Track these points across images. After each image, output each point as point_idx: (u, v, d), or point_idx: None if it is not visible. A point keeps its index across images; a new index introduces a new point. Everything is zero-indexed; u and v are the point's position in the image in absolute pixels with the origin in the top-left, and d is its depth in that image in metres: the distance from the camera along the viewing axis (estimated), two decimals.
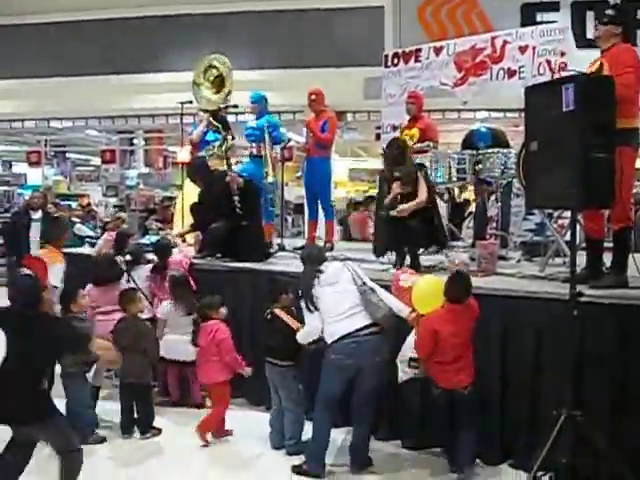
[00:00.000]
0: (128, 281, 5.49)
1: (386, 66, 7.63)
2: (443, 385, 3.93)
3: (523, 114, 4.05)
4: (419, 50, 7.35)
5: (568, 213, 4.23)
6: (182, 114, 7.31)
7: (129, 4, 10.95)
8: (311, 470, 4.02)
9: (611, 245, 4.33)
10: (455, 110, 10.71)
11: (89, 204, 13.53)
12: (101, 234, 8.10)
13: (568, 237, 4.22)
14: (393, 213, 4.87)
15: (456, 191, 7.38)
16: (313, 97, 6.87)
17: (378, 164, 6.21)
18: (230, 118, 7.42)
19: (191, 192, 6.56)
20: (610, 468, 3.57)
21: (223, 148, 6.63)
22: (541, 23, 7.99)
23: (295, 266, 4.92)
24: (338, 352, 3.91)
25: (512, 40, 6.66)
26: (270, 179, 6.68)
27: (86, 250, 7.19)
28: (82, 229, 9.88)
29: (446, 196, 7.06)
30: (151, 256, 5.83)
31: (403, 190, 4.99)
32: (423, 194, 4.95)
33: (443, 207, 7.02)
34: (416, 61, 7.35)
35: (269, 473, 4.19)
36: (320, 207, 7.08)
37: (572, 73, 4.29)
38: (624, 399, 3.75)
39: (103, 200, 14.78)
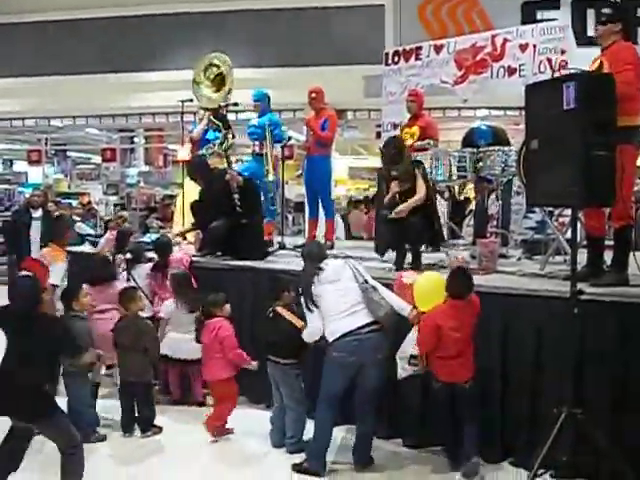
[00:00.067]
0: (128, 279, 5.49)
1: (386, 64, 7.62)
2: (444, 379, 3.96)
3: (523, 112, 4.05)
4: (419, 48, 7.34)
5: (569, 211, 4.23)
6: (183, 112, 7.31)
7: (127, 3, 10.92)
8: (312, 468, 4.02)
9: (612, 243, 4.33)
10: (455, 108, 10.72)
11: (89, 202, 13.54)
12: (104, 232, 8.12)
13: (569, 235, 4.23)
14: (392, 215, 4.87)
15: (456, 189, 7.37)
16: (313, 95, 6.87)
17: (378, 162, 6.20)
18: (230, 116, 7.42)
19: (191, 190, 6.56)
20: (611, 466, 3.57)
21: (223, 146, 6.63)
22: (541, 21, 7.96)
23: (295, 264, 4.93)
24: (340, 350, 3.91)
25: (512, 38, 6.65)
26: (270, 177, 6.69)
27: (86, 248, 7.19)
28: (83, 227, 9.89)
29: (447, 194, 7.06)
30: (151, 254, 5.83)
31: (401, 188, 4.99)
32: (422, 190, 4.95)
33: (444, 205, 7.03)
34: (416, 59, 7.34)
35: (270, 471, 4.19)
36: (320, 205, 7.09)
37: (573, 71, 4.28)
38: (625, 397, 3.75)
39: (103, 198, 14.80)
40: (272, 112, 7.08)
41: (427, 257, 5.31)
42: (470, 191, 7.65)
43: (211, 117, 7.05)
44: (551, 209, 5.45)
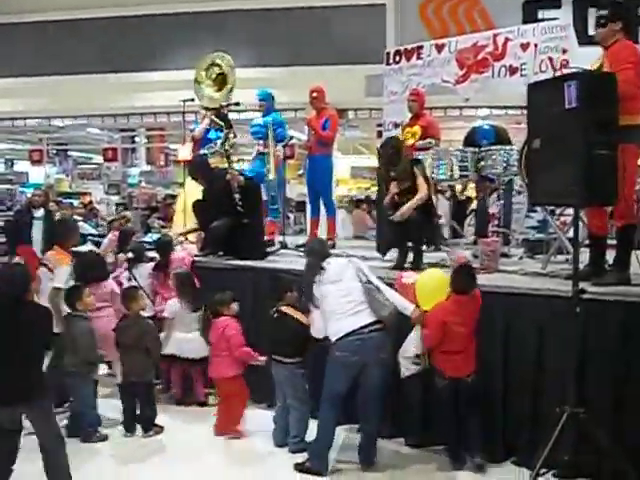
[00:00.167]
0: (130, 279, 5.49)
1: (388, 63, 7.61)
2: (450, 374, 3.99)
3: (525, 111, 4.04)
4: (421, 47, 7.33)
5: (570, 210, 4.23)
6: (184, 112, 7.31)
7: (127, 3, 10.94)
8: (314, 468, 4.03)
9: (614, 242, 4.32)
10: (457, 107, 10.71)
11: (91, 202, 13.56)
12: (107, 232, 8.12)
13: (571, 234, 4.22)
14: (395, 218, 4.85)
15: (458, 188, 7.37)
16: (314, 95, 6.87)
17: None
18: (232, 116, 7.42)
19: (193, 190, 6.55)
20: (612, 465, 3.57)
21: (225, 146, 6.63)
22: (543, 20, 7.97)
23: (297, 264, 4.92)
24: (343, 349, 3.91)
25: (514, 37, 6.64)
26: (270, 176, 6.69)
27: (88, 248, 7.17)
28: (84, 227, 9.87)
29: (448, 193, 7.06)
30: (153, 254, 5.83)
31: (400, 188, 4.99)
32: (423, 189, 4.94)
33: (445, 204, 7.04)
34: (418, 58, 7.33)
35: (272, 470, 4.19)
36: (322, 204, 7.09)
37: (574, 70, 4.27)
38: (626, 396, 3.75)
39: (105, 198, 14.82)
40: (277, 111, 7.08)
41: (428, 256, 5.30)
42: (472, 190, 7.65)
43: (213, 117, 7.04)
44: (553, 208, 5.44)
